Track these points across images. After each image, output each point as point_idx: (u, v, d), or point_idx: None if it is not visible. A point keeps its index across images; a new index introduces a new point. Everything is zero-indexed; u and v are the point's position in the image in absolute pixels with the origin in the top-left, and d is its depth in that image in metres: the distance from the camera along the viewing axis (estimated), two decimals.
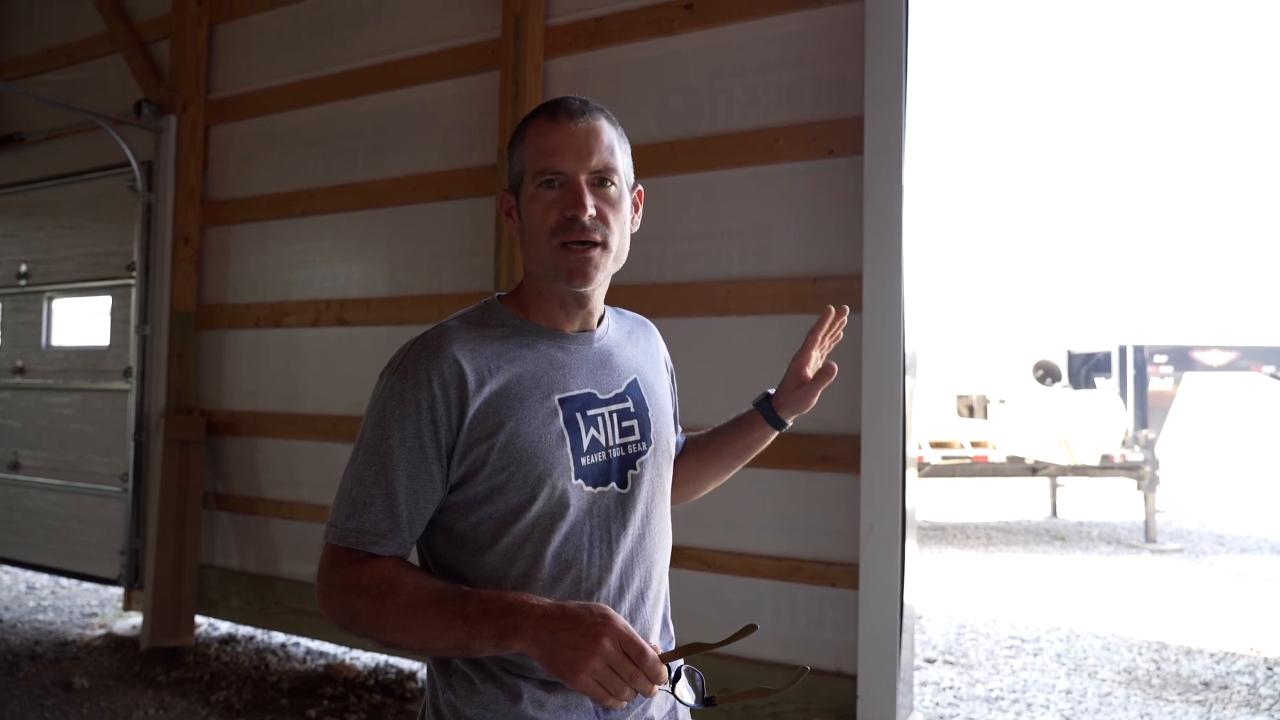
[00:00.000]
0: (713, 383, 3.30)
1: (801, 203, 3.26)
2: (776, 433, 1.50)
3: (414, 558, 1.22)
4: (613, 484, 1.22)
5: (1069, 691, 4.43)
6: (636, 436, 1.26)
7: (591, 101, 1.23)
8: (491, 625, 1.06)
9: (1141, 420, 11.13)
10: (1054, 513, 10.70)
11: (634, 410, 1.27)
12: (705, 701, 1.12)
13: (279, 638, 4.70)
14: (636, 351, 1.34)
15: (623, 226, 1.24)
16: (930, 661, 4.91)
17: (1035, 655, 5.06)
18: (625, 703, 1.06)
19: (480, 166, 3.88)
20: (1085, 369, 12.56)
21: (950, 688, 4.48)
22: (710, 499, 3.42)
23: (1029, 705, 4.23)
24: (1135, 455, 9.53)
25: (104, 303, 5.20)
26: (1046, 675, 4.69)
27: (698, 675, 1.13)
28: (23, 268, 5.61)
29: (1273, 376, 12.17)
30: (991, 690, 4.44)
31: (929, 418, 9.49)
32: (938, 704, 4.25)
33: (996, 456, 9.60)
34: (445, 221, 4.01)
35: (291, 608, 4.32)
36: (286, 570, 4.40)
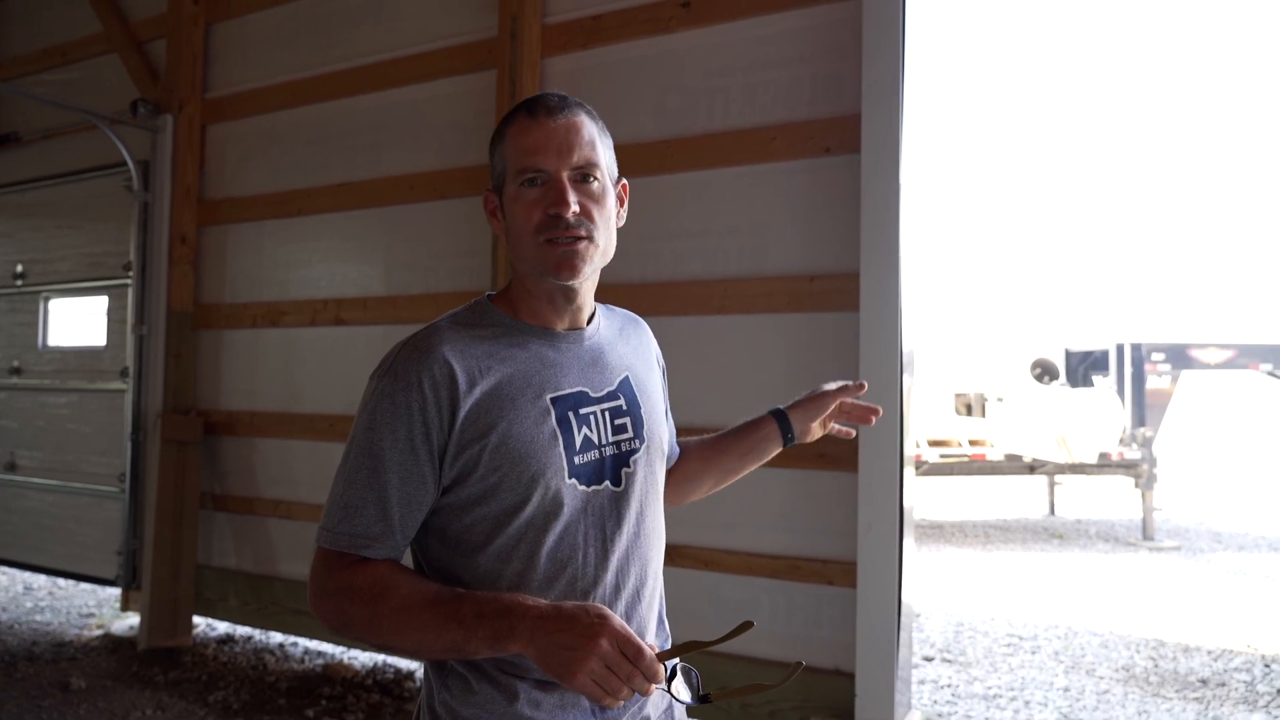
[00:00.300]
0: (709, 381, 3.30)
1: (798, 201, 3.26)
2: (782, 443, 1.52)
3: (407, 560, 1.21)
4: (606, 482, 1.22)
5: (1067, 689, 4.44)
6: (629, 434, 1.26)
7: (570, 97, 1.22)
8: (487, 627, 1.05)
9: (1139, 418, 11.15)
10: (1052, 511, 10.71)
11: (626, 408, 1.27)
12: (701, 699, 1.12)
13: (277, 638, 4.69)
14: (628, 349, 1.34)
15: (608, 221, 1.23)
16: (928, 659, 4.91)
17: (1033, 653, 5.06)
18: (622, 702, 1.05)
19: (477, 166, 3.87)
20: (1083, 367, 12.58)
21: (948, 686, 4.48)
22: (708, 497, 3.41)
23: (1027, 703, 4.23)
24: (1133, 453, 9.54)
25: (100, 303, 5.19)
26: (1044, 673, 4.70)
27: (694, 673, 1.13)
28: (19, 268, 5.60)
29: (1270, 374, 12.19)
30: (990, 688, 4.45)
31: (927, 416, 9.49)
32: (936, 702, 4.25)
33: (994, 455, 9.60)
34: (442, 221, 4.01)
35: (289, 608, 4.31)
36: (284, 570, 4.40)
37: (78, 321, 5.45)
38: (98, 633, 4.83)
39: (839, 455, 3.09)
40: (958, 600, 6.34)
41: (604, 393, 1.25)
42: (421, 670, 3.18)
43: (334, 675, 4.13)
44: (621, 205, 1.28)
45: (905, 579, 3.02)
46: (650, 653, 1.04)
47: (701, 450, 1.54)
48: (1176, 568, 7.71)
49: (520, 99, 3.66)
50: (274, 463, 4.48)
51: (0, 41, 5.82)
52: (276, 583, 4.38)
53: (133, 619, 4.89)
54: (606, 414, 1.24)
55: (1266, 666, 4.84)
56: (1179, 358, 11.99)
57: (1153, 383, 11.65)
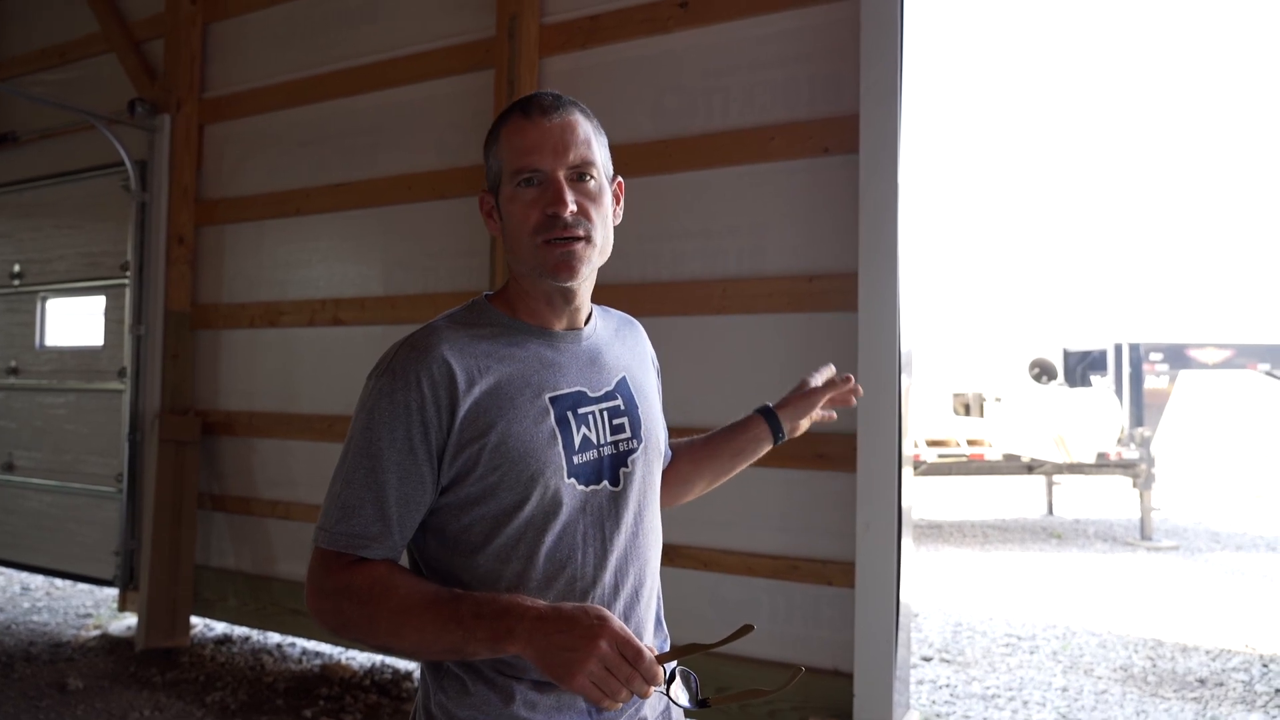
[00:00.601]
0: (709, 382, 3.30)
1: (797, 201, 3.26)
2: (772, 441, 1.53)
3: (404, 560, 1.21)
4: (605, 482, 1.22)
5: (1065, 689, 4.44)
6: (627, 434, 1.26)
7: (564, 96, 1.22)
8: (486, 628, 1.05)
9: (1137, 418, 11.13)
10: (1050, 510, 10.72)
11: (624, 408, 1.27)
12: (700, 703, 1.12)
13: (275, 638, 4.69)
14: (624, 349, 1.34)
15: (605, 220, 1.22)
16: (927, 659, 4.91)
17: (1031, 653, 5.07)
18: (620, 704, 1.05)
19: (475, 166, 3.87)
20: (1081, 367, 12.58)
21: (947, 686, 4.48)
22: (707, 498, 3.40)
23: (1025, 703, 4.23)
24: (1131, 453, 9.54)
25: (98, 303, 5.18)
26: (1043, 673, 4.70)
27: (693, 677, 1.12)
28: (16, 268, 5.59)
29: (1268, 374, 12.19)
30: (988, 688, 4.45)
31: (925, 416, 9.49)
32: (934, 702, 4.25)
33: (993, 455, 9.60)
34: (440, 220, 4.00)
35: (287, 608, 4.31)
36: (282, 570, 4.39)
37: (75, 321, 5.44)
38: (95, 633, 4.82)
39: (837, 455, 3.09)
40: (956, 600, 6.34)
41: (602, 393, 1.25)
42: (419, 671, 3.17)
43: (332, 676, 4.13)
44: (618, 203, 1.28)
45: (904, 579, 3.02)
46: (650, 655, 1.03)
47: (692, 452, 1.54)
48: (1174, 568, 7.72)
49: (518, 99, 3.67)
50: (272, 463, 4.47)
51: None
52: (275, 583, 4.38)
53: (130, 619, 4.88)
54: (604, 414, 1.24)
55: (1264, 666, 4.84)
56: (1177, 358, 11.98)
57: (1151, 382, 11.63)
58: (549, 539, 1.16)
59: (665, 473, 1.49)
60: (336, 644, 4.41)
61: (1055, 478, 10.54)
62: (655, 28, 3.48)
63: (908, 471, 3.07)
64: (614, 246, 1.26)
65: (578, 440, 1.19)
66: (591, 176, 1.20)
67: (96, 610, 5.31)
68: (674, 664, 1.10)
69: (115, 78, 5.04)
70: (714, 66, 3.40)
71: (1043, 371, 12.28)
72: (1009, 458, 9.69)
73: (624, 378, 1.29)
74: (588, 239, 1.19)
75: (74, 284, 5.31)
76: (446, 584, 1.16)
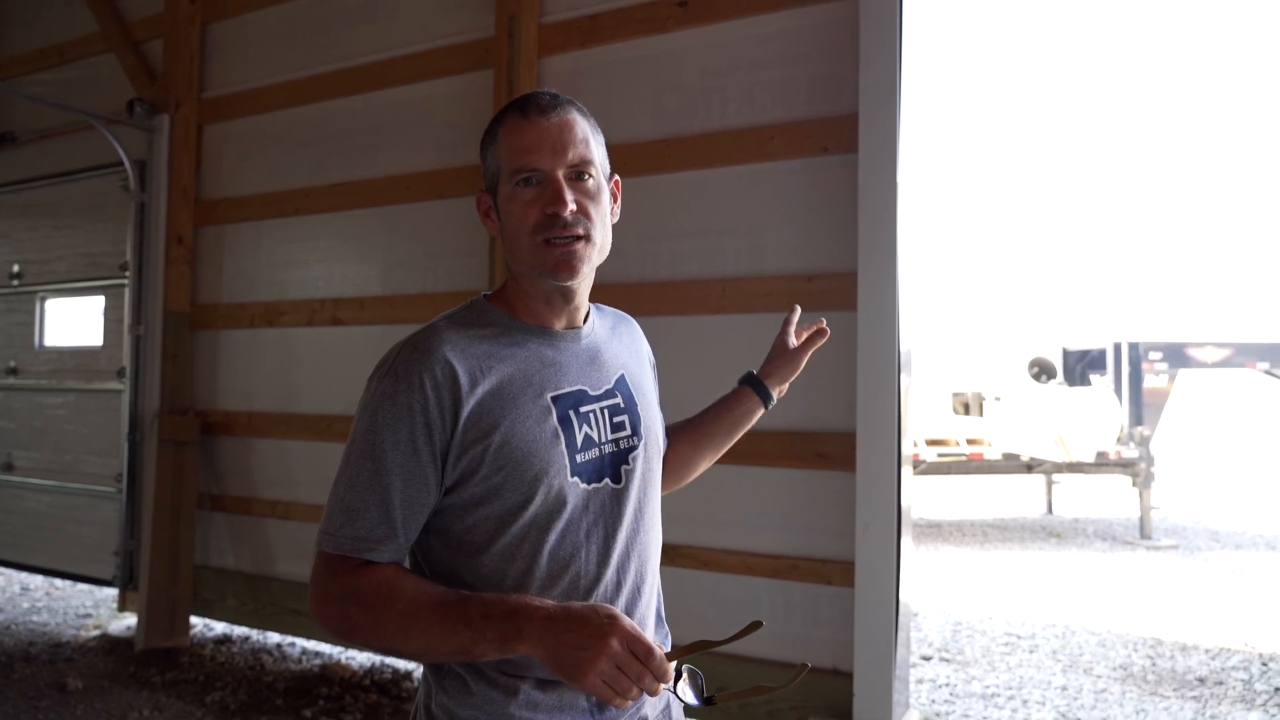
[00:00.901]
0: (708, 381, 3.29)
1: (796, 201, 3.25)
2: (764, 408, 1.54)
3: (406, 562, 1.21)
4: (606, 480, 1.22)
5: (1065, 688, 4.44)
6: (628, 432, 1.26)
7: (561, 95, 1.22)
8: (495, 629, 1.05)
9: (1136, 417, 11.13)
10: (1049, 510, 10.72)
11: (624, 406, 1.27)
12: (705, 700, 1.12)
13: (274, 638, 4.69)
14: (621, 347, 1.35)
15: (604, 218, 1.23)
16: (926, 659, 4.91)
17: (1031, 652, 5.07)
18: (630, 702, 1.06)
19: (474, 165, 3.87)
20: (1080, 366, 12.58)
21: (946, 685, 4.48)
22: (707, 497, 3.41)
23: (1025, 702, 4.23)
24: (1130, 452, 9.55)
25: (97, 303, 5.18)
26: (1042, 672, 4.70)
27: (699, 676, 1.13)
28: (15, 268, 5.59)
29: (1267, 373, 12.20)
30: (987, 687, 4.45)
31: (924, 415, 9.49)
32: (934, 701, 4.26)
33: (992, 454, 9.60)
34: (439, 220, 4.00)
35: (287, 608, 4.31)
36: (282, 570, 4.39)
37: (74, 321, 5.44)
38: (95, 633, 4.82)
39: (837, 455, 3.10)
40: (956, 599, 6.34)
41: (602, 391, 1.25)
42: (419, 670, 3.18)
43: (332, 675, 4.13)
44: (615, 201, 1.28)
45: (903, 578, 3.02)
46: (660, 653, 1.04)
47: (689, 434, 1.54)
48: (1174, 566, 7.72)
49: None
50: (271, 463, 4.47)
51: None
52: (274, 583, 4.38)
53: (130, 619, 4.88)
54: (605, 412, 1.24)
55: (1264, 665, 4.85)
56: (1176, 356, 11.99)
57: (1150, 381, 11.64)
58: (552, 538, 1.17)
59: (666, 458, 1.49)
60: (336, 644, 4.41)
61: (1055, 477, 10.55)
62: (654, 27, 3.48)
63: (907, 471, 3.08)
64: (612, 246, 1.27)
65: (580, 439, 1.20)
66: (590, 175, 1.20)
67: (96, 610, 5.31)
68: (680, 662, 1.11)
69: (114, 78, 5.03)
70: (713, 66, 3.40)
71: (1042, 371, 12.28)
72: (1008, 457, 9.69)
73: (622, 375, 1.30)
74: (587, 238, 1.19)
75: (73, 284, 5.31)
76: (450, 584, 1.16)
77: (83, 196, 5.24)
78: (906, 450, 3.08)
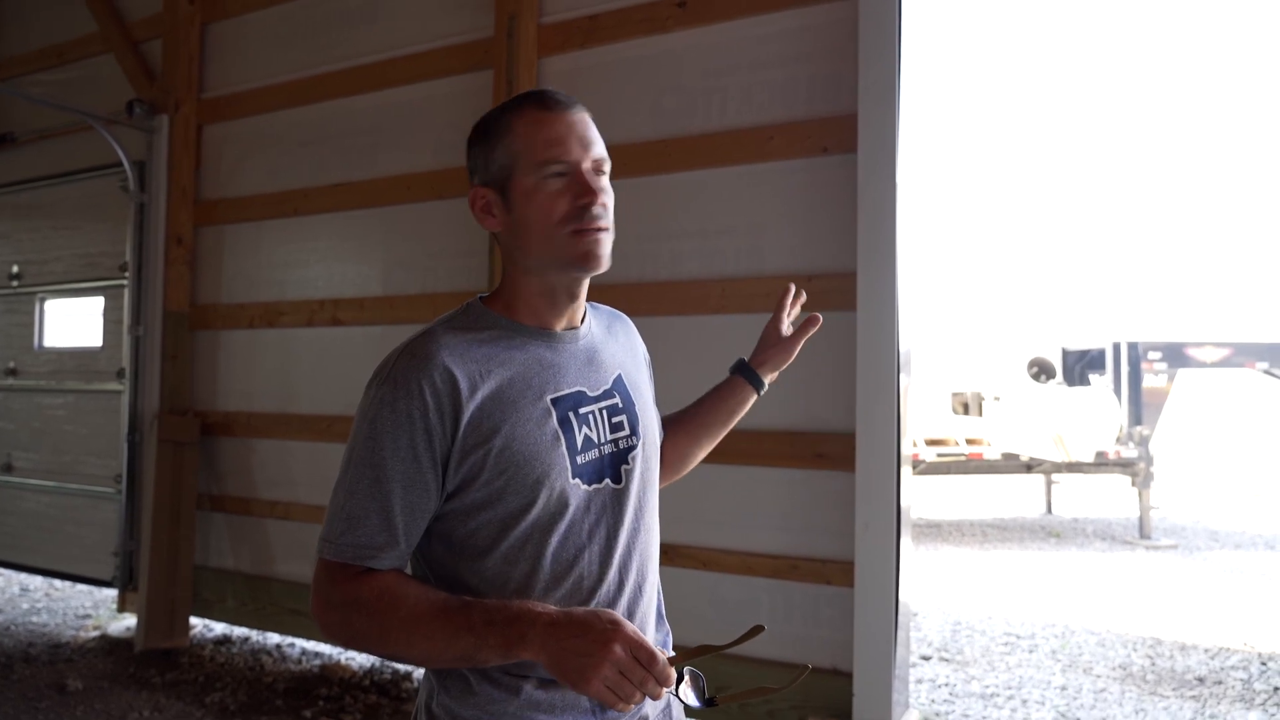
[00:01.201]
0: (707, 381, 3.28)
1: (796, 201, 3.26)
2: (757, 395, 1.57)
3: (408, 567, 1.21)
4: (607, 480, 1.22)
5: (1064, 688, 4.44)
6: (626, 431, 1.27)
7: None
8: (498, 635, 1.05)
9: (1136, 417, 11.13)
10: (1049, 509, 10.72)
11: (622, 406, 1.27)
12: (707, 702, 1.12)
13: (274, 638, 4.69)
14: (618, 347, 1.35)
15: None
16: (926, 659, 4.91)
17: (1030, 652, 5.07)
18: (633, 707, 1.06)
19: None
20: (1079, 366, 12.57)
21: (946, 685, 4.49)
22: (707, 497, 3.41)
23: (1024, 701, 4.23)
24: (1129, 452, 9.55)
25: (96, 303, 5.18)
26: (1042, 671, 4.70)
27: (700, 678, 1.14)
28: (15, 268, 5.59)
29: (1266, 373, 12.19)
30: (987, 687, 4.45)
31: (924, 415, 9.49)
32: (933, 701, 4.26)
33: (991, 454, 9.61)
34: (439, 221, 4.00)
35: (287, 608, 4.31)
36: (282, 571, 4.39)
37: (74, 322, 5.44)
38: (94, 634, 4.82)
39: (837, 455, 3.10)
40: (955, 599, 6.34)
41: (600, 391, 1.25)
42: (420, 671, 3.18)
43: (331, 676, 4.13)
44: None
45: (903, 578, 3.02)
46: (663, 658, 1.04)
47: (685, 426, 1.56)
48: (1173, 566, 7.73)
49: None
50: (271, 463, 4.47)
51: None
52: (274, 583, 4.38)
53: (129, 620, 4.88)
54: (604, 413, 1.24)
55: (1263, 664, 4.85)
56: (1175, 356, 11.97)
57: (1149, 381, 11.63)
58: (555, 540, 1.17)
59: (663, 452, 1.50)
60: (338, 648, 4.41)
61: (1054, 477, 10.55)
62: (654, 27, 3.48)
63: (906, 471, 3.08)
64: (612, 246, 1.27)
65: (580, 440, 1.20)
66: (605, 172, 1.22)
67: (95, 611, 5.31)
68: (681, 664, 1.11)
69: (114, 78, 5.03)
70: (712, 66, 3.40)
71: (1041, 370, 12.28)
72: (1008, 457, 9.70)
73: (620, 375, 1.30)
74: (610, 229, 1.21)
75: (72, 285, 5.30)
76: (454, 588, 1.17)
77: (82, 197, 5.24)
78: (906, 450, 3.08)
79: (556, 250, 1.18)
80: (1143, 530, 9.02)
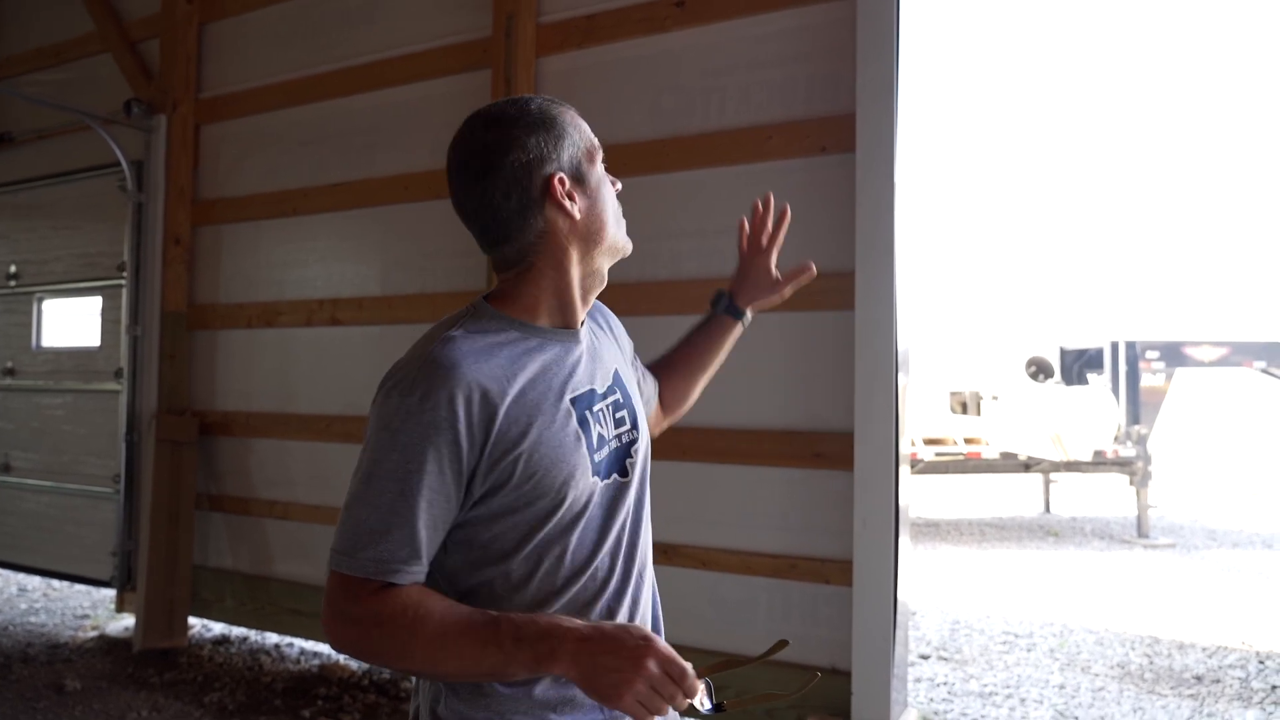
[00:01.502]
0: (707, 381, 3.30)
1: (794, 200, 3.23)
2: (743, 328, 1.69)
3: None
4: (615, 475, 1.24)
5: (1062, 686, 4.45)
6: (628, 425, 1.28)
7: None
8: (528, 650, 1.05)
9: (1134, 416, 11.13)
10: (1047, 508, 10.74)
11: (623, 401, 1.29)
12: (717, 707, 1.13)
13: (273, 638, 4.69)
14: (608, 339, 1.36)
15: None
16: (924, 658, 4.92)
17: (1029, 650, 5.08)
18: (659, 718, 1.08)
19: None
20: (1077, 365, 12.57)
21: (944, 684, 4.49)
22: (705, 497, 3.40)
23: (1023, 700, 4.24)
24: (1128, 451, 9.57)
25: (94, 303, 5.17)
26: (1040, 670, 4.71)
27: (709, 683, 1.14)
28: (13, 268, 5.58)
29: (1264, 372, 12.20)
30: (985, 686, 4.46)
31: (922, 414, 9.50)
32: (932, 700, 4.26)
33: (989, 453, 9.62)
34: (437, 220, 4.00)
35: (286, 608, 4.31)
36: (280, 571, 4.39)
37: (72, 322, 5.44)
38: (93, 634, 4.82)
39: (835, 454, 3.10)
40: (953, 598, 6.35)
41: (605, 388, 1.27)
42: None
43: (330, 676, 4.13)
44: None
45: (901, 577, 3.02)
46: (692, 672, 1.05)
47: (678, 366, 1.64)
48: (1171, 565, 7.74)
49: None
50: (270, 463, 4.47)
51: None
52: (273, 583, 4.38)
53: (128, 620, 4.88)
54: (610, 408, 1.26)
55: (1261, 663, 4.86)
56: (1173, 355, 11.97)
57: (1147, 380, 11.62)
58: (574, 537, 1.18)
59: (663, 395, 1.58)
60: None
61: (1052, 476, 10.57)
62: (652, 27, 3.48)
63: (905, 470, 3.08)
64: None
65: (595, 438, 1.21)
66: None
67: (94, 611, 5.30)
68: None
69: (111, 78, 5.03)
70: (711, 66, 3.40)
71: (1039, 370, 12.27)
72: (1006, 456, 9.71)
73: (616, 370, 1.32)
74: None
75: (70, 284, 5.30)
76: (470, 594, 1.16)
77: (80, 197, 5.23)
78: (904, 449, 3.08)
79: (619, 236, 1.27)
80: (1141, 529, 9.04)
